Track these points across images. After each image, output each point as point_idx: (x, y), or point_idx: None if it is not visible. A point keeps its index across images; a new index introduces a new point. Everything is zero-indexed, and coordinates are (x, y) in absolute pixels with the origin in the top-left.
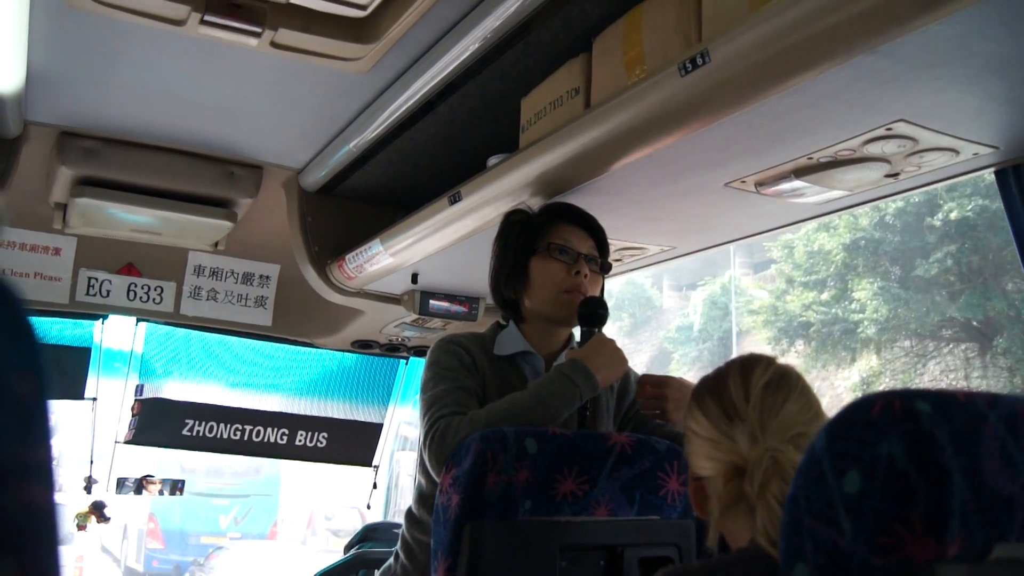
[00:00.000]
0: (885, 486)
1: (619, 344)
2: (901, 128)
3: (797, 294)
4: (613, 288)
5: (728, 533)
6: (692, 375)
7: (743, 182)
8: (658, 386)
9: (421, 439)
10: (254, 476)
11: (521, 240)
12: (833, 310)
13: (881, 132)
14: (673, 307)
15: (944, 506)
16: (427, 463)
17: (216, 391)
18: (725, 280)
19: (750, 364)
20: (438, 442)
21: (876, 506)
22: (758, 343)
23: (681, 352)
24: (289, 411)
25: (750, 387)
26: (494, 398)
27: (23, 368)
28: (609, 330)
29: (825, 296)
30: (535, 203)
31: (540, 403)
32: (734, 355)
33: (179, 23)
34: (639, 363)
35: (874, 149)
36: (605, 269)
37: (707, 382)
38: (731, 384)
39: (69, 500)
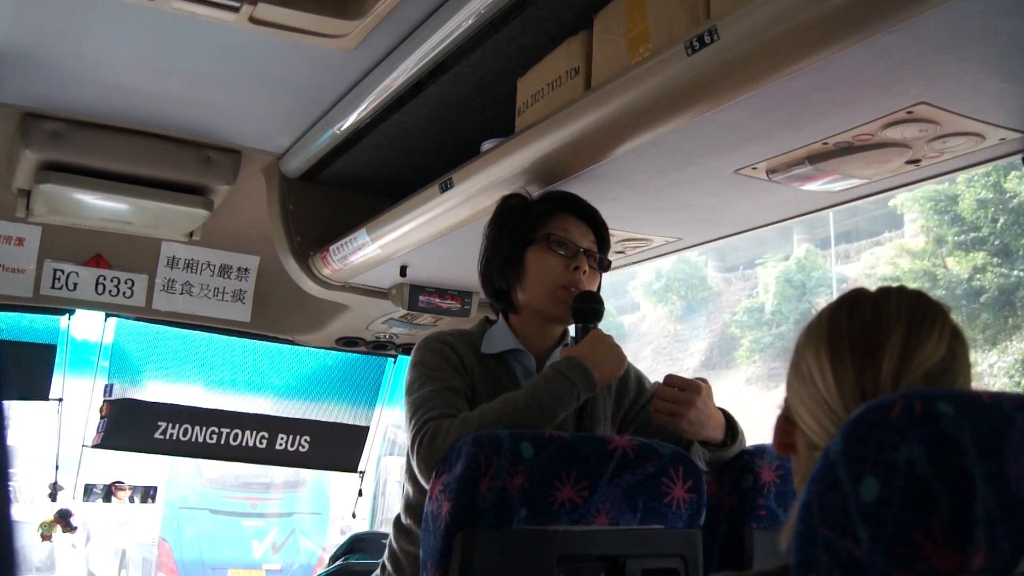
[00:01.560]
0: (905, 493)
1: (671, 330)
2: (922, 111)
3: (961, 255)
4: (663, 266)
5: None
6: (763, 364)
7: (753, 169)
8: (685, 389)
9: (408, 444)
10: (296, 489)
11: (518, 228)
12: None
13: (901, 116)
14: (727, 288)
15: (968, 515)
16: (415, 469)
17: (191, 392)
18: (801, 255)
19: (920, 319)
20: (427, 447)
21: (895, 515)
22: None
23: (751, 337)
24: (269, 413)
25: (908, 368)
26: (484, 398)
27: None
28: (658, 314)
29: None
30: (533, 190)
31: (536, 403)
32: None
33: None
34: (697, 351)
35: (894, 134)
36: (604, 267)
37: (848, 318)
38: (887, 352)
39: (32, 509)
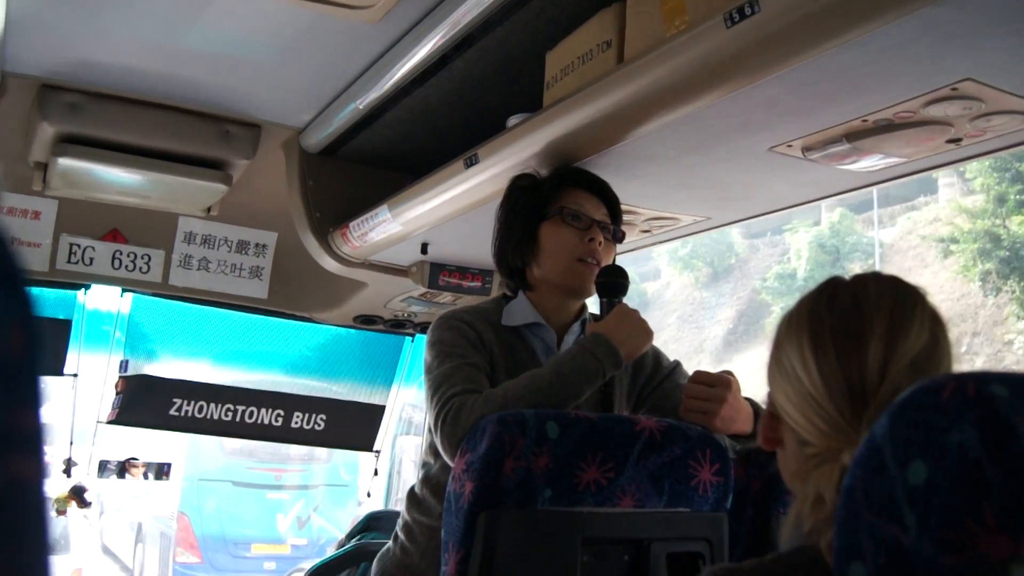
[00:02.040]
0: (955, 477)
1: (696, 297)
2: (967, 88)
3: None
4: None
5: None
6: None
7: (789, 146)
8: (714, 385)
9: (431, 422)
10: (323, 460)
11: (531, 205)
12: None
13: (946, 92)
14: (754, 255)
15: (1021, 500)
16: (440, 447)
17: (207, 368)
18: (835, 219)
19: (901, 308)
20: (451, 423)
21: (945, 499)
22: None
23: (783, 304)
24: (285, 391)
25: (893, 357)
26: (503, 373)
27: (10, 321)
28: (683, 281)
29: None
30: (558, 166)
31: (561, 380)
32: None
33: None
34: (724, 318)
35: (936, 111)
36: (618, 237)
37: (827, 309)
38: (871, 344)
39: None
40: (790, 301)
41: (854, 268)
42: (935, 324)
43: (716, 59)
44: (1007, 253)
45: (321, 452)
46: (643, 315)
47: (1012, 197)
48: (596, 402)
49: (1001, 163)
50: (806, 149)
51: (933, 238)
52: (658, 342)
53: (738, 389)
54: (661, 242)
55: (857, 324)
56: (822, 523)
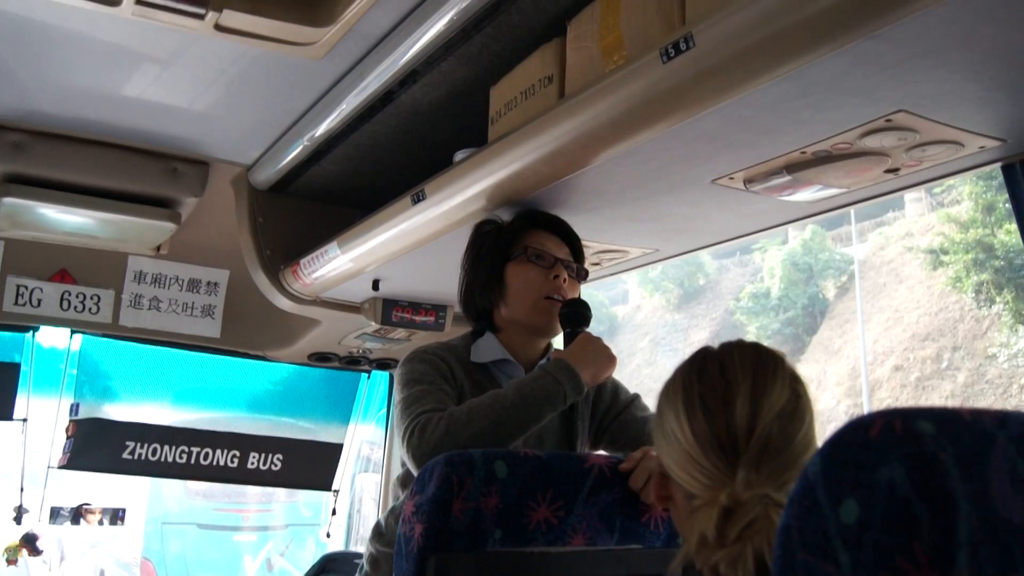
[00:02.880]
0: (886, 515)
1: (669, 320)
2: (901, 119)
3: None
4: None
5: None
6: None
7: (731, 178)
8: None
9: (401, 441)
10: (290, 498)
11: (495, 247)
12: None
13: (880, 124)
14: (725, 275)
15: (951, 537)
16: (409, 464)
17: (160, 410)
18: (807, 237)
19: (763, 370)
20: (417, 437)
21: (876, 537)
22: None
23: (758, 325)
24: (240, 431)
25: (759, 413)
26: None
27: None
28: (654, 303)
29: None
30: (507, 201)
31: (523, 400)
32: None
33: (112, 3)
34: (698, 340)
35: (872, 142)
36: (582, 275)
37: (698, 378)
38: (737, 403)
39: None
40: (765, 320)
41: (828, 286)
42: (795, 382)
43: (654, 93)
44: (1001, 263)
45: (282, 491)
46: (615, 339)
47: (1001, 206)
48: (560, 433)
49: (989, 171)
50: (748, 181)
51: (921, 249)
52: (631, 366)
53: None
54: (612, 274)
55: (722, 388)
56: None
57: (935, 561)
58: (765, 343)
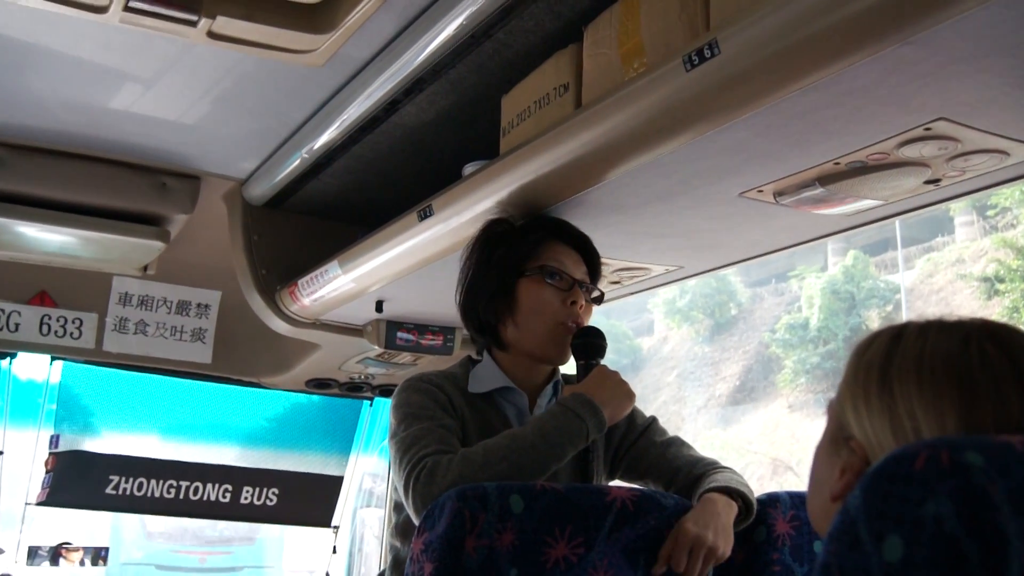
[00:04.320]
0: (932, 553)
1: (698, 353)
2: (941, 128)
3: None
4: (688, 281)
5: None
6: (810, 387)
7: (760, 192)
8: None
9: (400, 486)
10: (246, 542)
11: (508, 257)
12: None
13: (919, 133)
14: (759, 304)
15: (1001, 575)
16: (411, 511)
17: (147, 442)
18: (849, 263)
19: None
20: (424, 481)
21: None
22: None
23: (795, 358)
24: (233, 463)
25: None
26: (474, 440)
27: None
28: (682, 335)
29: None
30: (518, 216)
31: (544, 441)
32: None
33: (99, 10)
34: (730, 375)
35: (911, 152)
36: (599, 300)
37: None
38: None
39: None
40: (803, 354)
41: (872, 316)
42: None
43: (677, 103)
44: None
45: (247, 534)
46: (640, 373)
47: None
48: (574, 469)
49: None
50: (778, 194)
51: (974, 277)
52: (657, 403)
53: (708, 517)
54: (633, 293)
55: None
56: None
57: None
58: (802, 377)
